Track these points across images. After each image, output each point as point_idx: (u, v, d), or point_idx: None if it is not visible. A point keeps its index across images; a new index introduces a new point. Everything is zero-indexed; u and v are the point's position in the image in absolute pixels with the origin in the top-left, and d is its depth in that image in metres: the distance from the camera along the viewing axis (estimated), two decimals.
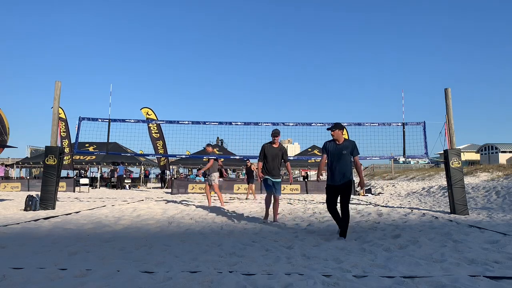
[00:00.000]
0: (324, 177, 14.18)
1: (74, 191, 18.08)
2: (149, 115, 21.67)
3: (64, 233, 5.55)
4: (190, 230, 6.07)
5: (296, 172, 36.67)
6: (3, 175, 21.53)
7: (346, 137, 18.50)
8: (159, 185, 26.90)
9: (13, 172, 24.67)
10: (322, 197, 15.39)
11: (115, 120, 10.33)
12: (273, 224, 6.73)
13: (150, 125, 21.32)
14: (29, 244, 4.62)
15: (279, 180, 6.95)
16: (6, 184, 19.76)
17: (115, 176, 23.11)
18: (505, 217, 7.61)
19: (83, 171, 26.09)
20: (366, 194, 16.81)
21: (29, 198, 8.76)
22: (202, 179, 18.55)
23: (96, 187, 22.96)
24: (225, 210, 8.95)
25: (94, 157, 23.02)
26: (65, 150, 17.75)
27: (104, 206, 9.91)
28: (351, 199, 14.17)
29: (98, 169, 26.02)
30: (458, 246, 4.52)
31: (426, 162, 56.81)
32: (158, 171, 29.37)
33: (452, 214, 8.47)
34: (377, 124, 10.31)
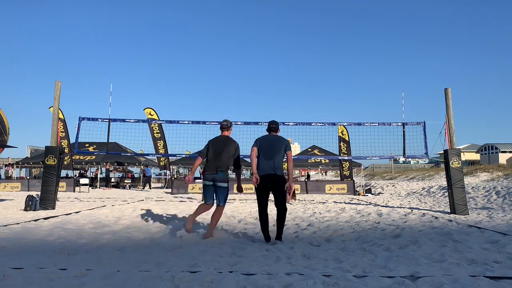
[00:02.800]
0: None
1: (74, 191, 18.09)
2: (151, 115, 21.72)
3: (64, 233, 5.55)
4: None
5: (296, 172, 36.67)
6: None
7: (347, 138, 18.53)
8: (157, 185, 26.99)
9: (13, 172, 24.64)
10: (322, 197, 15.40)
11: (115, 120, 10.32)
12: (273, 224, 6.73)
13: (152, 125, 21.33)
14: (29, 244, 4.62)
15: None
16: (6, 184, 19.78)
17: (113, 176, 23.22)
18: (505, 217, 7.61)
19: (83, 171, 26.10)
20: (366, 194, 16.82)
21: (29, 198, 8.76)
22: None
23: (96, 187, 22.99)
24: (225, 210, 8.94)
25: (94, 157, 23.01)
26: (65, 150, 17.74)
27: (104, 206, 9.91)
28: (351, 199, 14.21)
29: (98, 169, 26.02)
30: (458, 246, 4.52)
31: (426, 162, 56.86)
32: (158, 171, 29.38)
33: (452, 214, 8.47)
34: (377, 124, 10.31)
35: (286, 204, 5.06)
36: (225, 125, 5.46)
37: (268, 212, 5.07)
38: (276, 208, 5.00)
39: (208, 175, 5.17)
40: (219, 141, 5.36)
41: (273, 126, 5.15)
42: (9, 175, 23.60)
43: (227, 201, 5.45)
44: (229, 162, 5.26)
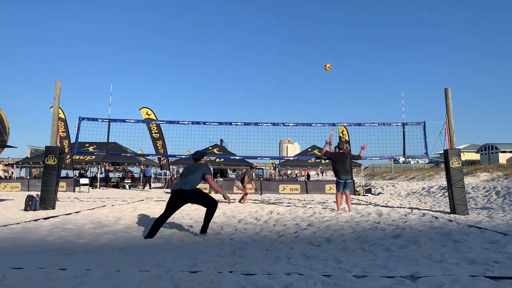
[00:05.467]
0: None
1: (74, 191, 18.08)
2: (148, 115, 21.67)
3: (64, 233, 5.54)
4: (190, 230, 6.07)
5: (296, 171, 36.72)
6: None
7: (347, 138, 18.52)
8: (157, 185, 27.01)
9: (13, 172, 24.63)
10: (322, 197, 15.40)
11: (115, 120, 10.32)
12: (273, 224, 6.76)
13: (150, 125, 21.31)
14: (29, 244, 4.62)
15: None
16: (6, 184, 19.77)
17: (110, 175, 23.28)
18: (505, 217, 7.61)
19: (83, 171, 26.09)
20: (366, 194, 16.82)
21: (29, 198, 8.76)
22: None
23: (96, 187, 22.98)
24: (225, 211, 8.94)
25: (94, 157, 23.00)
26: (65, 150, 17.72)
27: (104, 206, 9.90)
28: (351, 199, 14.17)
29: (98, 169, 26.00)
30: (458, 246, 4.52)
31: (426, 162, 56.84)
32: (158, 171, 29.36)
33: (452, 214, 8.46)
34: (377, 124, 10.31)
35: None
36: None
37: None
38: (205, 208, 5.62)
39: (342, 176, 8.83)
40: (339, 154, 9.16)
41: (194, 157, 5.81)
42: (8, 175, 23.59)
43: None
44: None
